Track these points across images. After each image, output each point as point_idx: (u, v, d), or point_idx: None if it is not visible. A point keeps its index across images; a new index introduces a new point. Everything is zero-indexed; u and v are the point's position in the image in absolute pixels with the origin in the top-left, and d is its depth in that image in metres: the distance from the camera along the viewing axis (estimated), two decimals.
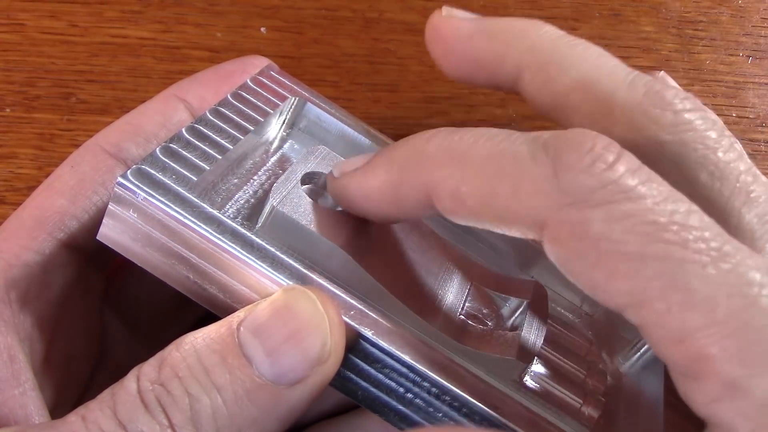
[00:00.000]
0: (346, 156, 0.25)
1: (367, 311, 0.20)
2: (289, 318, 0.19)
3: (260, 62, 0.27)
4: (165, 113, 0.25)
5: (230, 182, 0.23)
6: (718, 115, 0.23)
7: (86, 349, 0.24)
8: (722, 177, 0.20)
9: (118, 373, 0.25)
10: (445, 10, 0.24)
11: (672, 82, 0.26)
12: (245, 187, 0.24)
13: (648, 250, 0.17)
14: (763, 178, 0.21)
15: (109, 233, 0.21)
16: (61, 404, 0.23)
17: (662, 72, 0.27)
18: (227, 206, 0.22)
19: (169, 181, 0.20)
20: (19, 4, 0.34)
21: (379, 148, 0.26)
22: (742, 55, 0.34)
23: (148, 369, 0.19)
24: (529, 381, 0.23)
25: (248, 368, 0.19)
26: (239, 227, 0.20)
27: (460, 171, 0.19)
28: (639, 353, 0.26)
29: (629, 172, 0.17)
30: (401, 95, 0.33)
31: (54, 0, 0.34)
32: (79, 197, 0.23)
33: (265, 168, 0.25)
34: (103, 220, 0.21)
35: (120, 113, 0.27)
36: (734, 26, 0.34)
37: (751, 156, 0.33)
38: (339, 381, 0.21)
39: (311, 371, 0.19)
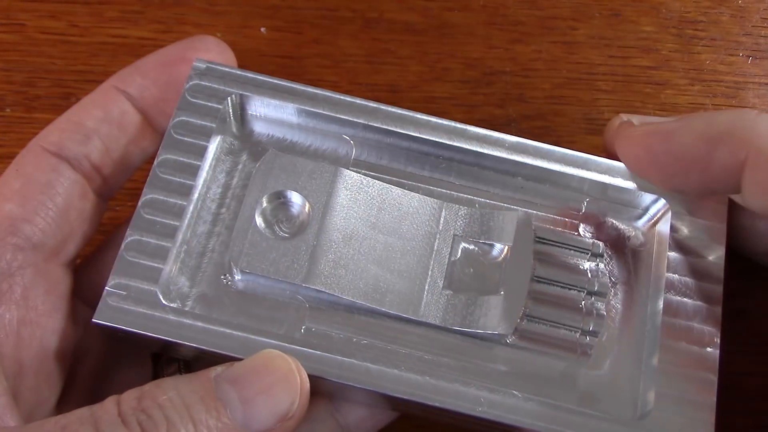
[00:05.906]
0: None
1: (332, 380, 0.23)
2: (266, 374, 0.21)
3: (202, 44, 0.27)
4: (105, 107, 0.26)
5: (200, 232, 0.25)
6: None
7: (60, 346, 0.24)
8: None
9: (99, 368, 0.25)
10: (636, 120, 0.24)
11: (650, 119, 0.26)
12: (216, 229, 0.26)
13: None
14: None
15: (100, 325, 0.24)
16: (40, 404, 0.23)
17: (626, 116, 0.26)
18: (203, 265, 0.25)
19: (134, 307, 0.23)
20: (19, 4, 0.34)
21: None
22: (742, 55, 0.34)
23: (128, 397, 0.20)
24: (525, 325, 0.24)
25: (223, 411, 0.20)
26: (211, 326, 0.23)
27: None
28: (647, 215, 0.26)
29: None
30: (401, 95, 0.33)
31: (54, 0, 0.34)
32: (27, 199, 0.24)
33: (230, 193, 0.26)
34: (91, 322, 0.23)
35: None
36: (734, 26, 0.34)
37: None
38: None
39: (275, 425, 0.21)
